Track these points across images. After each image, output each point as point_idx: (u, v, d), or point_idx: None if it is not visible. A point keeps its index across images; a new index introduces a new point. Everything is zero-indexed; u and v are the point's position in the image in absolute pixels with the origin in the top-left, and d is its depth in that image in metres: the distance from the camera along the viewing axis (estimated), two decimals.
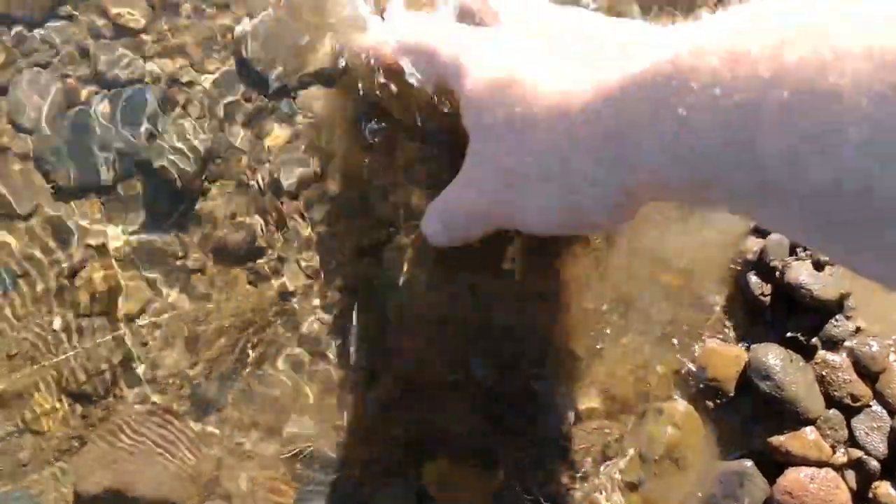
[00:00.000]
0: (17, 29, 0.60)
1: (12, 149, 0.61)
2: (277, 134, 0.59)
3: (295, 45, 0.52)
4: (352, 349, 0.54)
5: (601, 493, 0.69)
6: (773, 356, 0.72)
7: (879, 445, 0.68)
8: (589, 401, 0.76)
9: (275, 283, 0.62)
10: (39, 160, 0.57)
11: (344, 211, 0.55)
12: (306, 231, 0.54)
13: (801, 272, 0.76)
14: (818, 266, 0.75)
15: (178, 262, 0.66)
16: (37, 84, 0.55)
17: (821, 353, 0.77)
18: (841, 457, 0.75)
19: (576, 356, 0.75)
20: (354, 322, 0.53)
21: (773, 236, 0.78)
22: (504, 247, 0.72)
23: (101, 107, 0.62)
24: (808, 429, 0.71)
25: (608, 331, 0.74)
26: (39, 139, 0.55)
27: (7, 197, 0.53)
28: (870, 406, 0.70)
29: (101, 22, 0.68)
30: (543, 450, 0.72)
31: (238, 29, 0.53)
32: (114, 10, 0.68)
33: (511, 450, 0.72)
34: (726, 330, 0.76)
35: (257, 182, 0.61)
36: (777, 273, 0.79)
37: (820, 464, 0.71)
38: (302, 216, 0.54)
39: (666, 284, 0.77)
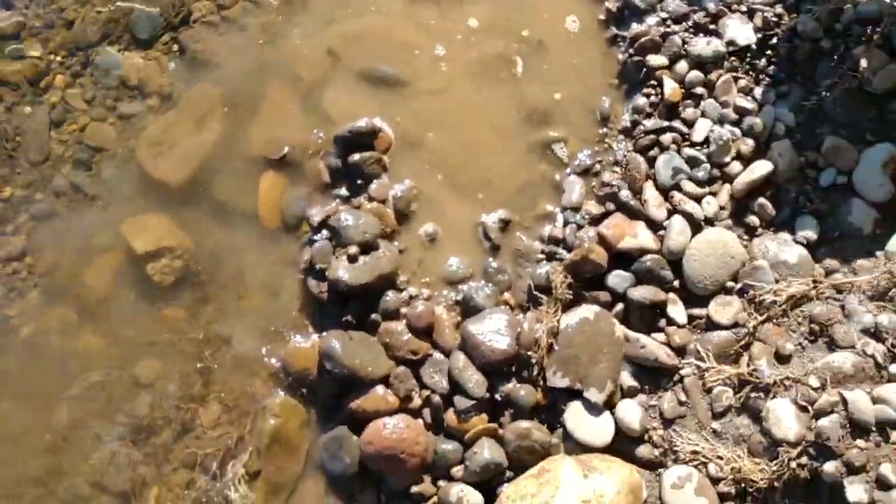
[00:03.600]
0: None
1: None
2: None
3: None
4: None
5: (231, 489, 0.82)
6: (334, 340, 0.88)
7: (441, 383, 0.85)
8: (211, 413, 0.89)
9: None
10: None
11: None
12: None
13: (337, 269, 0.93)
14: (352, 259, 0.92)
15: None
16: None
17: (384, 324, 0.94)
18: (417, 400, 0.92)
19: (191, 380, 0.88)
20: None
21: (318, 244, 0.94)
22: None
23: None
24: (379, 387, 0.87)
25: (210, 354, 0.87)
26: None
27: None
28: (431, 355, 0.87)
29: None
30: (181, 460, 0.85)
31: None
32: None
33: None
34: (305, 328, 0.92)
35: None
36: (325, 273, 0.95)
37: (392, 412, 0.87)
38: None
39: (248, 305, 0.91)
